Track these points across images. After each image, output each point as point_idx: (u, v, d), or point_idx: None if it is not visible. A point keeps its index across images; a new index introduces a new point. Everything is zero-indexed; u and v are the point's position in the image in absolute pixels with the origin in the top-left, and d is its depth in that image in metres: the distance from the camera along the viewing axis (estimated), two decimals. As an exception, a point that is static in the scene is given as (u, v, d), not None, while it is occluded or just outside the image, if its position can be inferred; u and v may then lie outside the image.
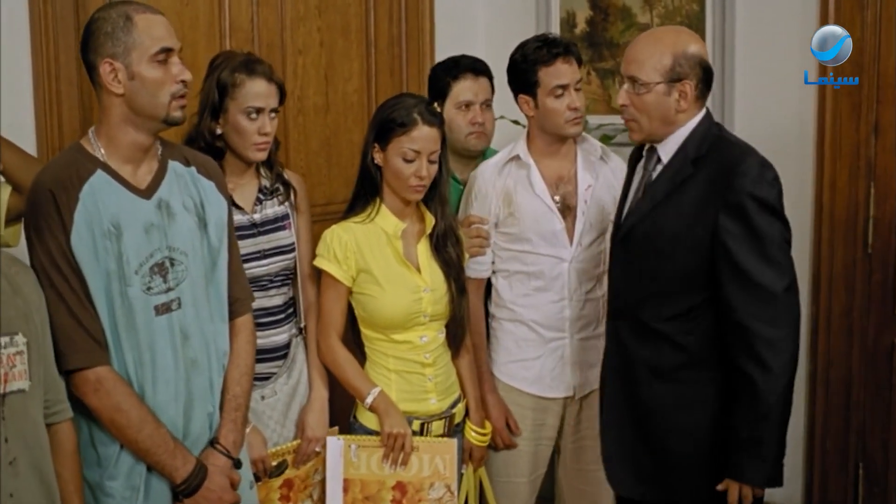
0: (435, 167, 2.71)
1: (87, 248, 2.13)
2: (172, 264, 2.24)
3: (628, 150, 3.53)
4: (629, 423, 2.53)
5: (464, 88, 3.14)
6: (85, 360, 2.13)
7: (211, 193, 2.36)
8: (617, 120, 3.72)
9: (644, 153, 2.55)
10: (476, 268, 2.98)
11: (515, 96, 2.95)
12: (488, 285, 3.05)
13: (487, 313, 3.07)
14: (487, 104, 3.16)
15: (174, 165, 2.31)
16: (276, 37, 3.59)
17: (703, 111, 2.48)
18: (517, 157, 2.94)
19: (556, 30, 3.89)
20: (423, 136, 2.67)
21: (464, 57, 3.22)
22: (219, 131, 2.66)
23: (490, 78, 3.18)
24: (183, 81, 2.19)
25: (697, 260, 2.38)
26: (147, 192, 2.23)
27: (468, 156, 3.19)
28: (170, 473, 2.22)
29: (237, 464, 2.34)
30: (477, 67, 3.15)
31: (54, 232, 2.11)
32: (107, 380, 2.15)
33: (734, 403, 2.37)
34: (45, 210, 2.12)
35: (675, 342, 2.44)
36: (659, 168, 2.48)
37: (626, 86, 2.46)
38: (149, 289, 2.20)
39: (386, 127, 2.70)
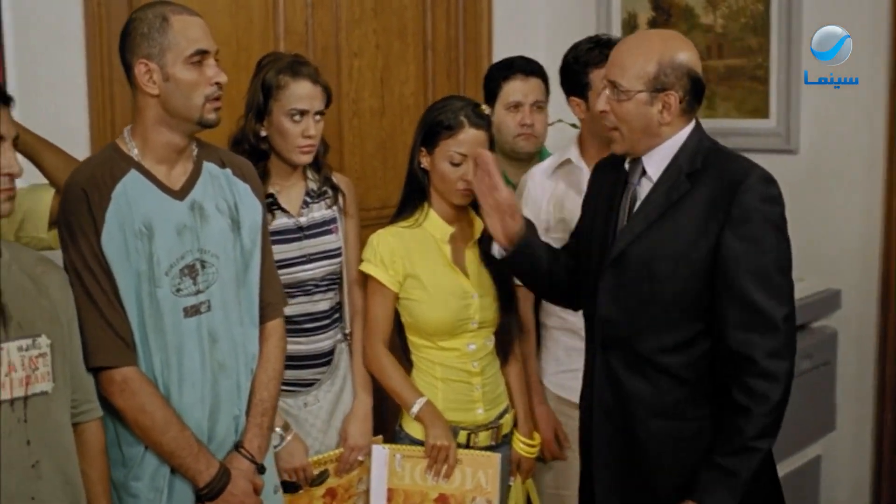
0: (482, 171, 2.65)
1: (118, 248, 2.12)
2: (203, 266, 2.22)
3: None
4: (625, 465, 2.31)
5: (513, 89, 3.08)
6: (112, 359, 2.12)
7: (246, 196, 2.34)
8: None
9: (627, 166, 2.34)
10: (526, 275, 2.91)
11: (567, 98, 2.88)
12: (538, 293, 2.98)
13: (538, 322, 3.00)
14: (538, 106, 3.09)
15: (209, 167, 2.29)
16: (332, 39, 3.56)
17: (693, 123, 2.28)
18: (569, 161, 2.87)
19: (616, 31, 3.82)
20: (469, 138, 2.61)
21: (518, 58, 3.16)
22: (263, 133, 2.64)
23: (544, 79, 3.11)
24: (218, 84, 2.17)
25: (699, 283, 2.17)
26: (180, 194, 2.22)
27: (519, 158, 3.13)
28: (193, 476, 2.20)
29: (261, 469, 2.31)
30: (528, 68, 3.09)
31: (86, 231, 2.11)
32: (133, 380, 2.14)
33: (721, 427, 2.19)
34: (78, 209, 2.12)
35: (676, 375, 2.22)
36: (646, 183, 2.26)
37: (606, 91, 2.25)
38: (178, 290, 2.18)
39: (432, 130, 2.66)
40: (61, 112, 2.97)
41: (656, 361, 2.23)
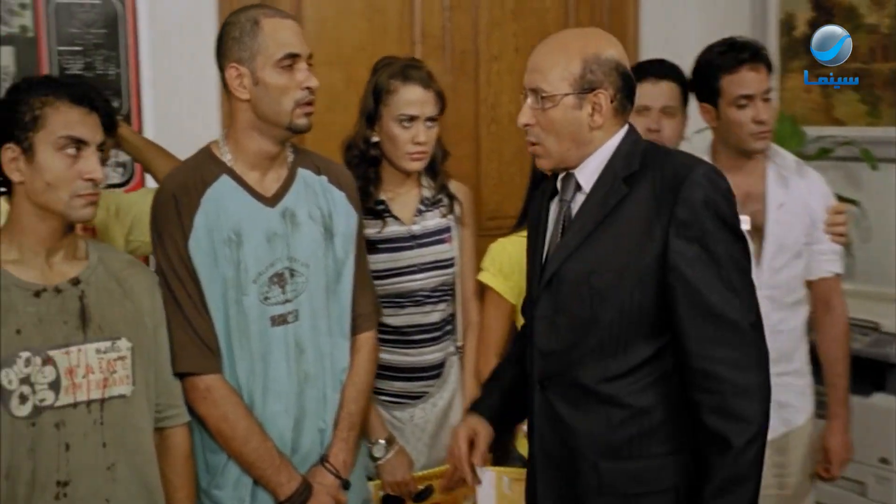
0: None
1: (205, 254, 2.11)
2: (292, 275, 2.18)
3: (848, 166, 3.22)
4: None
5: (642, 92, 2.88)
6: (195, 365, 2.10)
7: (340, 204, 2.28)
8: (839, 132, 3.40)
9: (559, 183, 2.09)
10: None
11: (699, 104, 2.69)
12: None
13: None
14: (668, 111, 2.90)
15: (304, 174, 2.25)
16: (470, 43, 3.50)
17: (626, 127, 2.00)
18: (700, 173, 2.68)
19: (773, 33, 3.59)
20: None
21: (655, 61, 2.98)
22: (375, 139, 2.58)
23: (680, 84, 2.91)
24: (308, 88, 2.11)
25: (647, 295, 1.90)
26: (272, 200, 2.19)
27: None
28: (274, 489, 2.16)
29: (346, 484, 2.25)
30: (660, 71, 2.90)
31: (174, 235, 2.10)
32: (216, 388, 2.12)
33: (703, 461, 1.89)
34: (167, 213, 2.12)
35: (627, 406, 1.93)
36: (580, 198, 2.00)
37: (528, 100, 1.98)
38: (266, 299, 2.15)
39: None
40: (195, 116, 3.03)
41: (602, 392, 1.95)
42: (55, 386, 1.87)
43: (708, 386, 1.86)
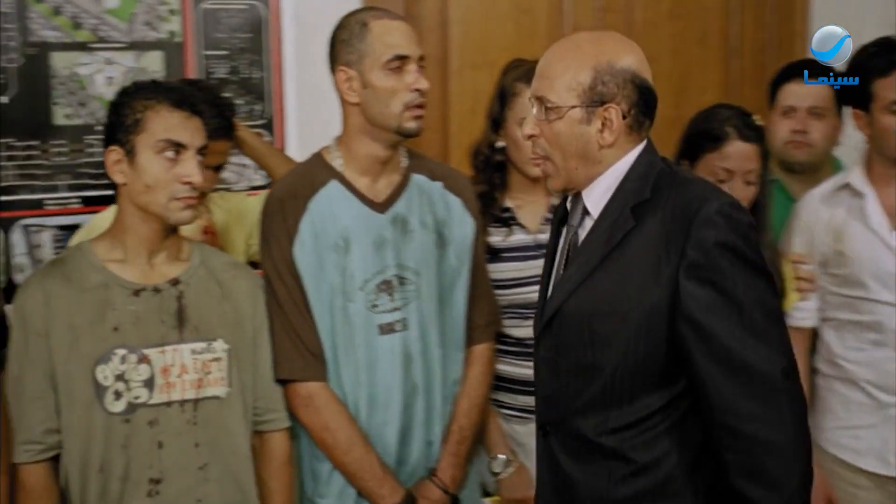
0: (751, 189, 2.35)
1: (310, 259, 2.09)
2: (402, 283, 2.13)
3: None
4: None
5: (789, 92, 2.73)
6: (297, 372, 2.08)
7: (456, 210, 2.23)
8: None
9: (568, 205, 1.87)
10: (798, 315, 2.53)
11: (851, 110, 2.49)
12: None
13: (813, 369, 2.62)
14: (815, 112, 2.69)
15: (418, 179, 2.20)
16: (623, 45, 3.36)
17: (643, 144, 1.77)
18: (849, 185, 2.47)
19: (957, 32, 3.26)
20: (737, 152, 2.33)
21: (805, 60, 2.81)
22: (500, 143, 2.50)
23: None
24: (418, 90, 2.06)
25: (654, 345, 1.69)
26: (383, 206, 2.15)
27: (794, 169, 2.75)
28: (376, 501, 2.12)
29: (454, 500, 2.18)
30: (811, 70, 2.71)
31: (280, 239, 2.10)
32: (318, 396, 2.09)
33: None
34: (273, 217, 2.11)
35: (632, 461, 1.73)
36: (588, 223, 1.80)
37: (534, 110, 1.79)
38: (374, 306, 2.11)
39: (694, 142, 2.41)
40: (337, 120, 3.03)
41: (604, 444, 1.75)
42: (149, 384, 1.91)
43: (734, 445, 1.66)
